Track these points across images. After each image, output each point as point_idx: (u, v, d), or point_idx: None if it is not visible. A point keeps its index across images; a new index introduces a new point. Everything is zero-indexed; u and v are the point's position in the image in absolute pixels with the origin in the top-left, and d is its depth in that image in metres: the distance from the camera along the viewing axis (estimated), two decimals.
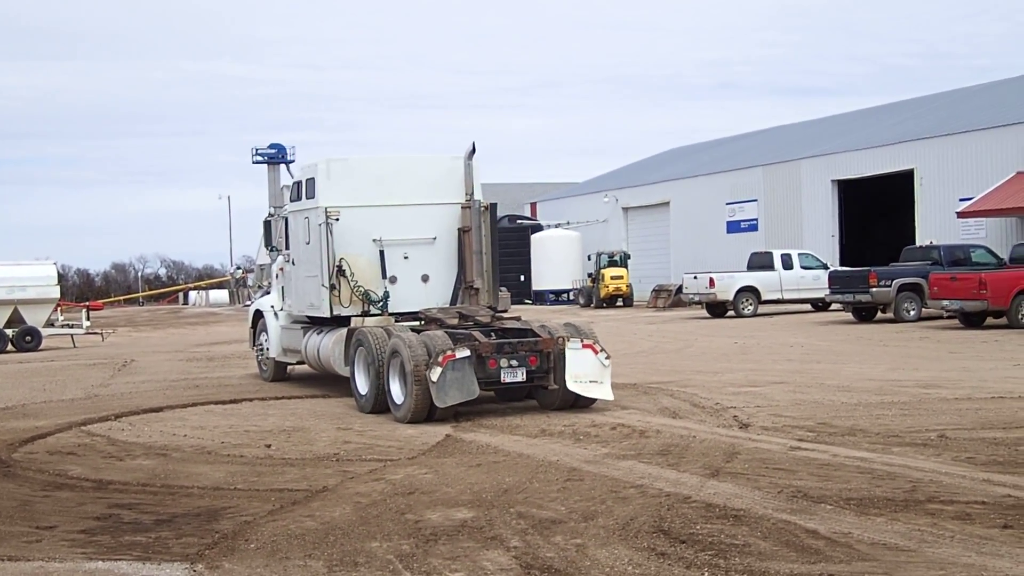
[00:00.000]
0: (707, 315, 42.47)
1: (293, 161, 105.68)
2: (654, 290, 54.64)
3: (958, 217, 43.32)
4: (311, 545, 8.21)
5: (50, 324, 37.25)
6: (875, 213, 54.85)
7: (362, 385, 16.17)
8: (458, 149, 18.47)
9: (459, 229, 18.17)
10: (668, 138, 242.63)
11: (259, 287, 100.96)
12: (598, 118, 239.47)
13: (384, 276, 17.85)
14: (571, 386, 14.90)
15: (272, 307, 21.09)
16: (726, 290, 41.67)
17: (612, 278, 56.49)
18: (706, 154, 71.20)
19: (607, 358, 15.17)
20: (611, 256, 58.15)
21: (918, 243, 41.59)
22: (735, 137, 74.87)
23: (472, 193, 18.14)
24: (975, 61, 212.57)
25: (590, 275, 59.22)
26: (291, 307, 19.99)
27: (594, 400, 15.24)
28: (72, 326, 38.62)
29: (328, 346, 17.87)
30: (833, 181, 52.37)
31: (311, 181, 18.15)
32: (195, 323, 57.55)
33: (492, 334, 15.47)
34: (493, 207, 18.50)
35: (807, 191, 53.76)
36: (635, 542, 7.96)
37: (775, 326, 35.04)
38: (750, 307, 41.41)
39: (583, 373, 14.95)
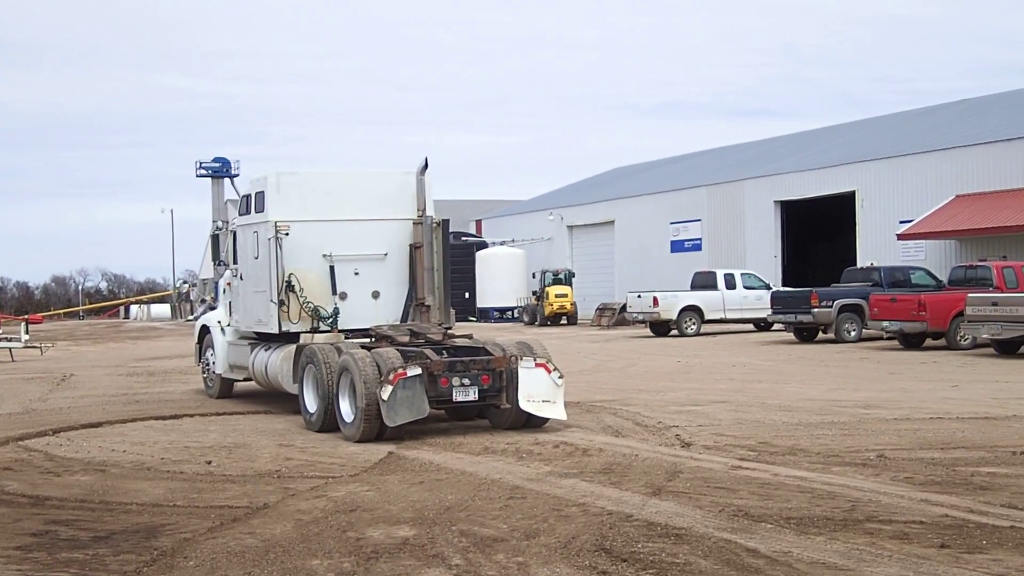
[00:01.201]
0: (651, 334, 42.65)
1: (237, 175, 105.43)
2: (598, 309, 54.79)
3: (898, 239, 43.82)
4: (251, 563, 8.15)
5: None
6: (817, 234, 55.37)
7: (311, 403, 15.92)
8: (403, 164, 18.37)
9: (411, 245, 17.95)
10: (614, 157, 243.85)
11: (202, 301, 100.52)
12: (544, 136, 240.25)
13: (334, 292, 17.59)
14: (524, 406, 14.78)
15: (219, 322, 20.75)
16: (670, 309, 41.89)
17: (556, 296, 56.61)
18: (651, 173, 71.63)
19: (560, 377, 15.02)
20: (556, 274, 58.28)
21: (859, 264, 42.01)
22: (680, 157, 75.34)
23: (424, 209, 17.95)
24: (917, 85, 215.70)
25: (534, 293, 59.30)
26: (238, 323, 19.72)
27: (546, 420, 15.09)
28: (10, 340, 38.09)
29: (276, 363, 17.62)
30: (776, 202, 52.82)
31: (260, 195, 17.90)
32: (136, 337, 56.97)
33: (444, 352, 15.26)
34: (445, 223, 18.27)
35: (750, 211, 54.19)
36: (577, 560, 7.96)
37: (718, 345, 35.26)
38: (693, 326, 41.64)
39: (536, 392, 14.81)
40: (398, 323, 17.46)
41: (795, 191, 52.00)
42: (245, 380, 19.96)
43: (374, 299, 17.88)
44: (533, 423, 15.07)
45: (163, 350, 41.55)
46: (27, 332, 38.68)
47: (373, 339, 16.66)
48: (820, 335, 35.83)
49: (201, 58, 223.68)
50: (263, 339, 18.77)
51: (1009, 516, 9.04)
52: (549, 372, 14.91)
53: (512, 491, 10.69)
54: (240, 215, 19.10)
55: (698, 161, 69.68)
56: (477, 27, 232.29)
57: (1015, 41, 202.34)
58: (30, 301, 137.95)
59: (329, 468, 12.54)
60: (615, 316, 51.25)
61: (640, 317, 43.14)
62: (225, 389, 20.90)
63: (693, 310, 41.98)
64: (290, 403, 18.46)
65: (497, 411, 15.23)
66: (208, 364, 21.20)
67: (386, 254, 17.95)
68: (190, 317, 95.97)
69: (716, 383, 21.83)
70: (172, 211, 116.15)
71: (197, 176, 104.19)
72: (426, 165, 18.01)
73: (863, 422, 15.22)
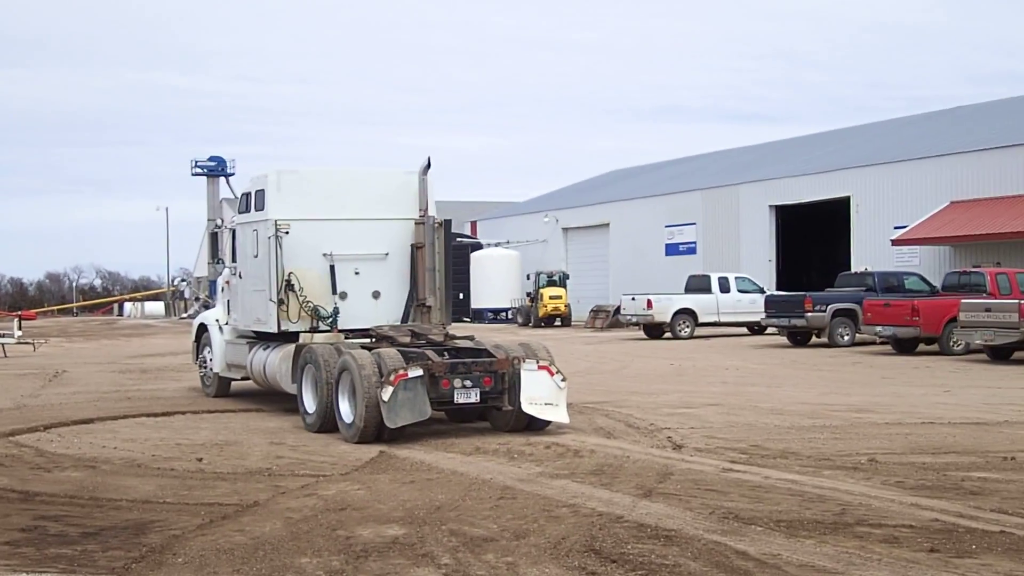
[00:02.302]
0: (644, 336, 42.65)
1: (233, 174, 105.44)
2: (592, 311, 54.80)
3: (892, 245, 43.91)
4: (240, 560, 8.13)
5: None
6: (812, 239, 55.46)
7: (309, 403, 15.72)
8: (400, 165, 18.22)
9: (412, 245, 17.72)
10: (610, 160, 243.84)
11: (196, 299, 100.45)
12: (541, 138, 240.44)
13: (334, 292, 17.37)
14: (526, 408, 14.58)
15: (217, 321, 20.52)
16: (664, 312, 41.90)
17: (551, 298, 56.65)
18: (646, 177, 71.70)
19: (563, 380, 14.84)
20: (550, 276, 58.32)
21: (853, 269, 42.10)
22: (675, 160, 75.46)
23: (426, 209, 17.74)
24: (915, 92, 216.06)
25: (529, 294, 59.33)
26: (237, 321, 19.48)
27: (548, 423, 14.88)
28: (3, 335, 38.08)
29: (275, 363, 17.41)
30: (771, 206, 52.89)
31: (261, 193, 17.65)
32: (129, 335, 56.90)
33: (445, 353, 15.06)
34: (447, 223, 18.06)
35: (745, 215, 54.25)
36: (566, 561, 7.95)
37: (711, 348, 35.27)
38: (687, 329, 41.65)
39: (538, 395, 14.62)
40: (399, 324, 17.25)
41: (790, 196, 52.07)
42: (243, 379, 19.72)
43: (374, 299, 17.67)
44: (535, 426, 14.91)
45: (156, 347, 41.51)
46: (20, 328, 38.72)
47: (373, 339, 16.48)
48: (814, 339, 35.86)
49: (199, 56, 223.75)
50: (262, 338, 18.55)
51: (999, 521, 9.04)
52: (552, 375, 14.74)
53: (503, 491, 10.68)
54: (239, 213, 18.84)
55: (694, 165, 69.78)
56: (474, 29, 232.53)
57: (1013, 49, 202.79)
58: (24, 297, 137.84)
59: (320, 467, 12.53)
60: (609, 318, 51.26)
61: (634, 319, 43.14)
62: (222, 388, 20.66)
63: (687, 313, 41.98)
64: (282, 401, 18.46)
65: (498, 413, 15.05)
66: (206, 363, 20.97)
67: (387, 254, 17.74)
68: (184, 315, 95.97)
69: (709, 386, 21.84)
70: (167, 209, 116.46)
71: (192, 175, 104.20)
72: (428, 164, 17.82)
73: (855, 426, 15.23)
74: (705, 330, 42.73)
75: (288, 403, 18.07)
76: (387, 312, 17.63)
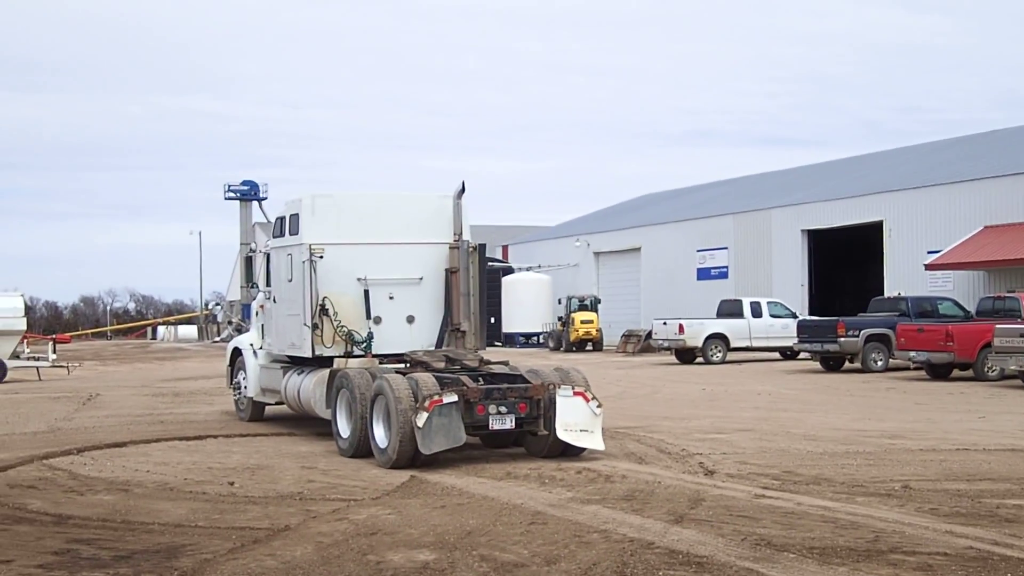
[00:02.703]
0: (676, 361, 42.55)
1: (265, 198, 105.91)
2: (624, 335, 54.71)
3: (926, 269, 43.66)
4: None
5: (16, 356, 36.89)
6: (844, 263, 55.20)
7: (344, 428, 15.65)
8: (431, 189, 18.28)
9: (446, 270, 17.70)
10: (642, 184, 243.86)
11: (228, 323, 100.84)
12: (572, 163, 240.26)
13: (368, 316, 17.32)
14: (561, 435, 14.44)
15: (251, 345, 20.47)
16: (695, 336, 41.79)
17: (582, 322, 56.61)
18: (678, 201, 71.59)
19: (599, 407, 14.70)
20: (581, 300, 58.28)
21: (886, 294, 41.85)
22: (707, 185, 75.32)
23: (460, 233, 17.71)
24: (947, 115, 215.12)
25: (560, 319, 59.29)
26: (271, 346, 19.38)
27: (583, 449, 14.70)
28: (38, 359, 38.29)
29: (309, 387, 17.29)
30: (803, 231, 52.71)
31: (295, 217, 17.62)
32: (163, 358, 57.20)
33: (480, 379, 14.98)
34: (482, 248, 18.03)
35: (777, 240, 54.08)
36: None
37: (743, 373, 35.13)
38: (719, 354, 41.51)
39: (574, 421, 14.47)
40: (433, 349, 17.18)
41: (822, 220, 51.89)
42: (277, 404, 19.56)
43: (409, 324, 17.61)
44: (570, 452, 14.76)
45: (189, 371, 41.71)
46: (54, 351, 38.89)
47: (408, 364, 16.38)
48: (846, 364, 35.69)
49: (231, 81, 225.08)
50: (296, 363, 18.47)
51: None
52: (587, 401, 14.61)
53: (534, 516, 10.66)
54: (274, 237, 18.81)
55: (725, 189, 69.63)
56: (506, 54, 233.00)
57: None
58: (58, 321, 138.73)
59: (351, 491, 12.54)
60: (641, 343, 51.18)
61: (666, 344, 43.06)
62: (257, 412, 20.55)
63: (719, 338, 41.85)
64: (313, 426, 18.49)
65: (533, 439, 14.97)
66: (239, 387, 20.95)
67: (421, 278, 17.69)
68: (217, 339, 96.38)
69: (741, 411, 21.75)
70: (200, 233, 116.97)
71: (225, 199, 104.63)
72: (463, 189, 17.79)
73: (888, 452, 15.13)
74: (737, 355, 42.59)
75: (320, 427, 18.11)
76: (421, 337, 17.57)
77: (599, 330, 57.02)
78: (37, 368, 37.65)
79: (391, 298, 17.55)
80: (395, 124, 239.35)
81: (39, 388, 32.04)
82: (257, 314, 20.49)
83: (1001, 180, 43.70)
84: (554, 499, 11.67)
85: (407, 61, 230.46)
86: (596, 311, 57.95)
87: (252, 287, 20.83)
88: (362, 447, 15.02)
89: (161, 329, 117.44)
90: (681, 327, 41.98)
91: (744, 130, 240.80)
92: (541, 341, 62.28)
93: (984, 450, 15.23)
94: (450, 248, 17.72)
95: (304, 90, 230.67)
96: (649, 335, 47.55)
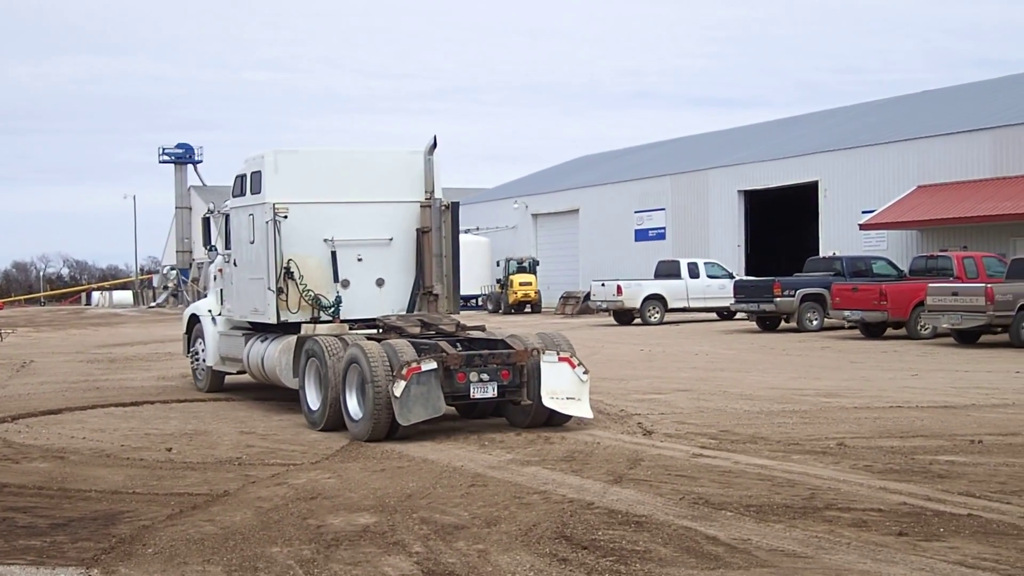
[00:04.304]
0: (614, 322, 42.74)
1: (200, 161, 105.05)
2: (562, 297, 54.86)
3: (860, 229, 44.08)
4: (210, 550, 8.11)
5: None
6: (780, 223, 55.62)
7: (313, 400, 14.77)
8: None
9: (418, 230, 16.80)
10: (581, 146, 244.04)
11: (164, 287, 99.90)
12: (511, 124, 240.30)
13: (336, 279, 16.37)
14: (547, 403, 13.67)
15: (209, 311, 19.41)
16: (633, 298, 41.99)
17: (521, 284, 56.68)
18: (616, 162, 71.70)
19: (585, 373, 13.98)
20: (520, 262, 58.33)
21: (821, 254, 42.23)
22: (645, 146, 75.46)
23: (432, 191, 16.82)
24: (885, 76, 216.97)
25: (499, 281, 59.31)
26: (231, 312, 18.46)
27: (569, 418, 14.01)
28: None
29: (274, 355, 16.27)
30: (740, 191, 53.04)
31: (257, 174, 16.59)
32: (98, 324, 56.59)
33: (458, 344, 14.04)
34: (455, 206, 17.15)
35: (714, 201, 54.38)
36: (537, 548, 7.97)
37: (681, 334, 35.37)
38: (657, 315, 41.75)
39: (560, 389, 13.73)
40: (405, 313, 16.38)
41: (759, 181, 52.23)
42: (239, 373, 18.61)
43: (378, 287, 16.73)
44: (554, 421, 14.03)
45: (125, 337, 41.31)
46: None
47: (380, 330, 15.62)
48: (782, 324, 36.02)
49: (168, 43, 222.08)
50: (258, 329, 17.62)
51: (967, 504, 9.10)
52: (573, 367, 13.87)
53: (474, 479, 10.69)
54: (233, 196, 17.70)
55: (663, 150, 69.82)
56: (446, 15, 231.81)
57: (983, 33, 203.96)
58: None
59: (290, 455, 12.50)
60: (579, 304, 51.32)
61: (604, 305, 43.23)
62: (216, 382, 19.51)
63: (657, 299, 42.08)
64: (252, 391, 18.41)
65: (516, 409, 14.12)
66: (197, 356, 19.87)
67: (391, 239, 16.81)
68: (153, 304, 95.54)
69: (679, 371, 21.90)
70: (135, 197, 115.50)
71: (160, 162, 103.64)
72: (435, 144, 16.90)
73: (824, 410, 15.31)
74: (675, 316, 42.86)
75: (261, 393, 18.05)
76: (392, 301, 16.73)
77: (537, 292, 57.12)
78: None
79: (359, 260, 16.64)
80: (333, 87, 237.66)
81: None
82: (215, 278, 19.51)
83: (934, 140, 44.18)
84: (494, 461, 11.70)
85: (345, 23, 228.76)
86: (534, 273, 58.03)
87: (211, 250, 19.72)
88: (333, 419, 14.15)
89: (96, 295, 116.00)
90: (619, 288, 42.15)
91: (682, 91, 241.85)
92: (479, 304, 62.30)
93: (917, 407, 15.45)
94: (421, 207, 16.87)
95: (241, 52, 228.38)
96: (587, 297, 47.70)
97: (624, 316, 42.51)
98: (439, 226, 16.76)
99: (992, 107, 46.53)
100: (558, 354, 13.94)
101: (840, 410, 15.32)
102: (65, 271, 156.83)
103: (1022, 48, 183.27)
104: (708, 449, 12.17)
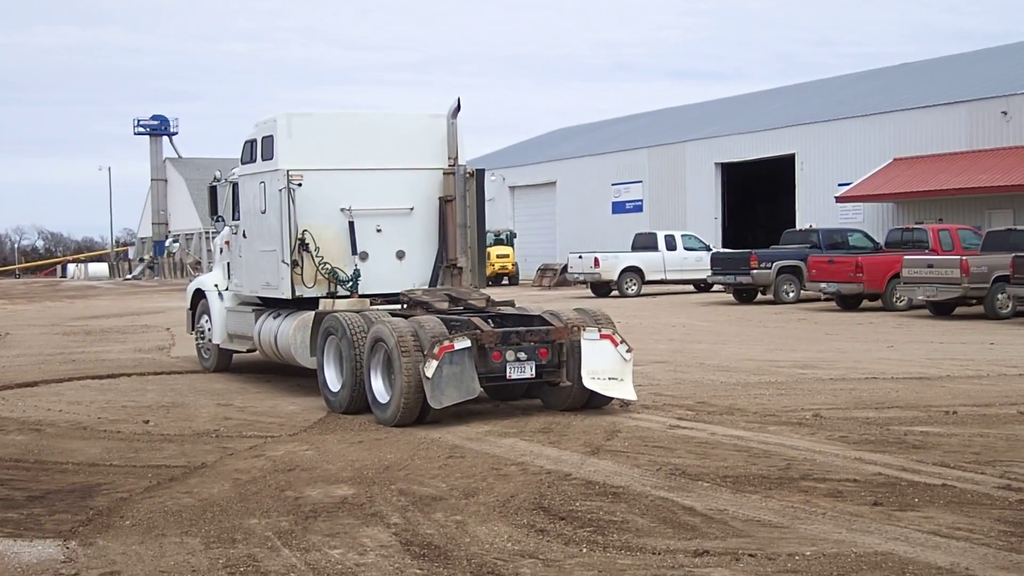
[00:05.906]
0: (592, 294, 42.74)
1: (176, 133, 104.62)
2: (539, 269, 54.85)
3: (837, 202, 44.22)
4: (188, 522, 8.11)
5: None
6: (757, 196, 55.75)
7: (333, 381, 13.74)
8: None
9: (440, 198, 15.82)
10: (559, 118, 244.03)
11: (140, 259, 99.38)
12: (489, 96, 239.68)
13: (354, 252, 15.38)
14: (588, 383, 12.70)
15: (216, 286, 18.31)
16: (610, 270, 42.03)
17: (498, 256, 56.59)
18: (593, 135, 71.65)
19: (628, 351, 12.91)
20: (497, 234, 58.24)
21: (798, 226, 42.36)
22: (622, 118, 75.40)
23: (456, 157, 15.81)
24: (862, 48, 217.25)
25: None
26: (239, 287, 17.42)
27: (609, 400, 13.12)
28: None
29: (289, 333, 15.21)
30: (717, 164, 53.11)
31: (269, 139, 15.54)
32: (73, 296, 56.31)
33: (490, 321, 13.10)
34: (480, 173, 16.17)
35: (691, 173, 54.44)
36: (515, 519, 8.00)
37: (658, 306, 35.44)
38: (634, 287, 41.81)
39: (601, 369, 12.73)
40: (428, 287, 15.39)
41: (736, 153, 52.30)
42: (249, 351, 17.64)
43: (399, 260, 15.74)
44: (594, 403, 13.09)
45: (101, 309, 41.12)
46: None
47: (404, 306, 14.60)
48: (759, 296, 36.13)
49: (145, 14, 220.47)
50: (269, 305, 16.54)
51: (941, 474, 9.18)
52: (616, 345, 12.81)
53: (451, 450, 10.71)
54: (243, 163, 16.59)
55: (641, 123, 69.79)
56: None
57: (959, 6, 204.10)
58: None
59: (268, 427, 12.50)
60: (556, 277, 51.35)
61: (581, 278, 43.27)
62: (223, 361, 18.43)
63: (634, 271, 42.13)
64: (250, 370, 18.33)
65: (554, 390, 13.14)
66: (203, 333, 18.68)
67: (412, 208, 15.79)
68: (128, 276, 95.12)
69: (656, 343, 21.95)
70: (110, 169, 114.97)
71: (135, 134, 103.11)
72: (459, 107, 15.87)
73: (800, 382, 15.39)
74: (652, 288, 42.93)
75: (239, 365, 18.01)
76: (413, 274, 15.76)
77: (515, 264, 57.07)
78: None
79: (379, 231, 15.65)
80: (311, 59, 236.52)
81: None
82: (222, 251, 18.51)
83: (911, 113, 44.30)
84: (471, 432, 11.72)
85: None
86: (512, 245, 57.96)
87: (217, 220, 18.48)
88: (356, 402, 13.18)
89: (71, 267, 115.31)
90: (596, 261, 42.18)
91: (661, 64, 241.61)
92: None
93: (892, 378, 15.54)
94: (444, 174, 15.86)
95: (219, 24, 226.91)
96: (565, 269, 47.73)
97: (601, 288, 42.55)
98: (463, 195, 15.83)
99: (968, 80, 46.63)
100: (600, 331, 12.94)
101: (816, 381, 15.40)
102: (40, 243, 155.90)
103: (999, 22, 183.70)
104: (685, 420, 12.22)
